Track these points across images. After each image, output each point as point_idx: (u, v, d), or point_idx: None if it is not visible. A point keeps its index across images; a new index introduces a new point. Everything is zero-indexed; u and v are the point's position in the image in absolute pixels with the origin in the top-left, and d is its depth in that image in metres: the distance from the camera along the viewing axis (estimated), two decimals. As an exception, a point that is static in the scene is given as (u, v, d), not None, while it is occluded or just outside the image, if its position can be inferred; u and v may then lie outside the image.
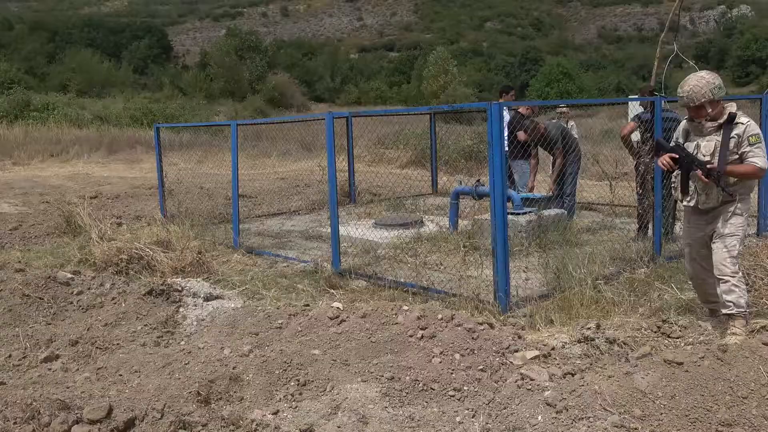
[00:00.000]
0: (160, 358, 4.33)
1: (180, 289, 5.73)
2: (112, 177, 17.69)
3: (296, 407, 3.70)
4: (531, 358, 4.01)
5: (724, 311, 4.50)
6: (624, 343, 4.39)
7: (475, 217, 8.16)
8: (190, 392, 3.74)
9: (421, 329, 4.31)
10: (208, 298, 5.72)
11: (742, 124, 4.37)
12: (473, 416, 3.51)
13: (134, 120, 31.14)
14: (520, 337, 4.33)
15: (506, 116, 8.44)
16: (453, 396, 3.74)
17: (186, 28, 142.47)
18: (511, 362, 4.02)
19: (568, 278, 5.74)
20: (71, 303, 5.46)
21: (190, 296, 5.68)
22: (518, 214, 7.67)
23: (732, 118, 4.38)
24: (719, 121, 4.42)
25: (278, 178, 16.26)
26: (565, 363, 4.17)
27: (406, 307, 4.64)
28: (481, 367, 3.95)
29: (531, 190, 9.08)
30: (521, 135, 8.72)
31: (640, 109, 7.58)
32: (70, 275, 5.81)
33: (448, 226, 8.67)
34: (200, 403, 3.69)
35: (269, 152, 20.62)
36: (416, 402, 3.71)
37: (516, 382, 3.77)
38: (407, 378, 3.86)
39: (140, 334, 4.91)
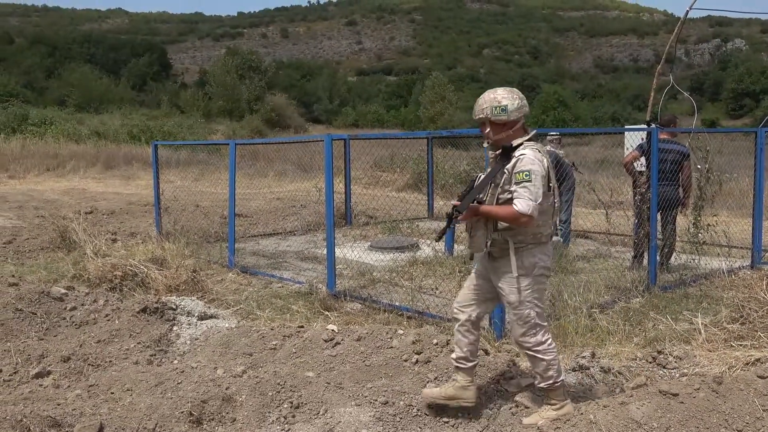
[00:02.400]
0: (152, 376, 4.30)
1: (174, 307, 5.71)
2: (108, 193, 17.66)
3: (289, 430, 3.68)
4: (526, 386, 4.00)
5: (537, 384, 3.70)
6: (619, 373, 4.39)
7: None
8: (182, 412, 3.71)
9: (416, 354, 4.30)
10: (202, 317, 5.69)
11: (515, 156, 3.48)
12: (467, 443, 3.49)
13: (131, 136, 31.23)
14: (515, 364, 4.32)
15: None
16: (447, 422, 3.72)
17: (186, 46, 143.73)
18: (506, 389, 4.01)
19: (563, 306, 5.75)
20: (64, 319, 5.42)
21: (184, 315, 5.66)
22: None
23: (509, 149, 3.54)
24: (498, 151, 3.62)
25: (274, 198, 16.27)
26: (559, 391, 4.15)
27: (401, 331, 4.63)
28: (475, 393, 3.93)
29: None
30: None
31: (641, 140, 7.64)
32: (63, 291, 5.78)
33: (443, 250, 8.67)
34: (192, 424, 3.67)
35: (266, 172, 20.66)
36: (410, 428, 3.69)
37: (511, 409, 3.76)
38: (401, 403, 3.84)
39: (133, 351, 4.88)
